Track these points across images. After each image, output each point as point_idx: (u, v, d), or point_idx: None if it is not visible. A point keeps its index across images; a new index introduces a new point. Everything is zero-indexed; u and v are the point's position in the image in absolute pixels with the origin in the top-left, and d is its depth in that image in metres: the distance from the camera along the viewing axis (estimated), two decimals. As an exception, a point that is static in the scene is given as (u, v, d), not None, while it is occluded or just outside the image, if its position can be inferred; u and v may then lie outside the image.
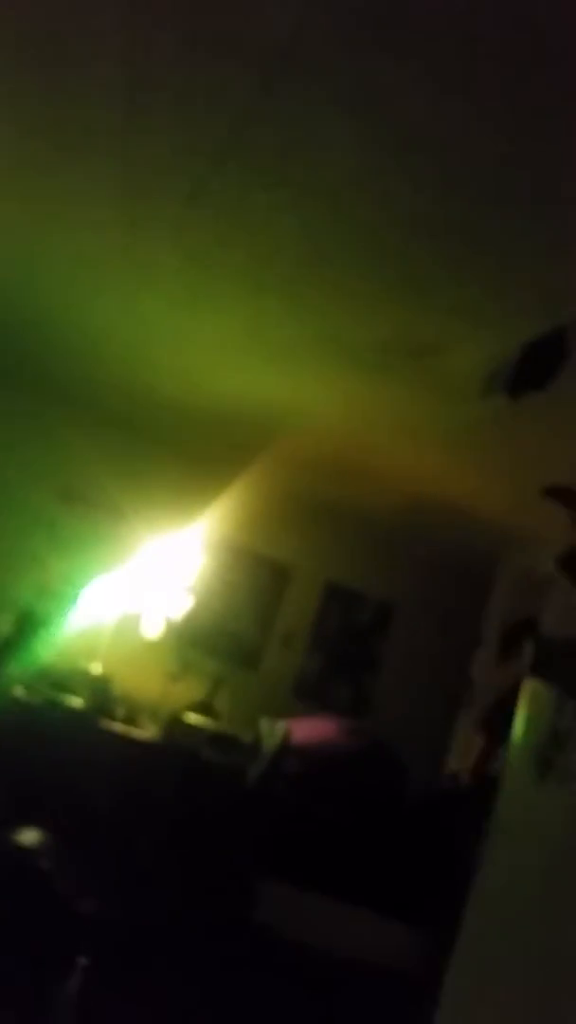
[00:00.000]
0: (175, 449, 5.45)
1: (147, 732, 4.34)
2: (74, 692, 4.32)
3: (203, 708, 5.01)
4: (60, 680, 4.36)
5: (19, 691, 4.08)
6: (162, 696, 4.95)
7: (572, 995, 2.05)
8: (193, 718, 4.63)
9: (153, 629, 4.89)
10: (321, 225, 2.69)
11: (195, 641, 5.47)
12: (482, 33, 1.82)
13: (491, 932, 2.43)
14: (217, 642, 5.58)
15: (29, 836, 2.88)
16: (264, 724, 4.19)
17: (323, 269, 2.93)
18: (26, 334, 4.40)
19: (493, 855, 2.54)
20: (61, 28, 2.19)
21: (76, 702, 4.25)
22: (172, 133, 2.46)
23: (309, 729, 4.14)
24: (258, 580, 5.76)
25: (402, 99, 2.06)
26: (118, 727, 4.18)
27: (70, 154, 2.74)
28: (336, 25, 1.92)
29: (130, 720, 4.40)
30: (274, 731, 4.01)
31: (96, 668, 4.75)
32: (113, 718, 4.17)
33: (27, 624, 4.30)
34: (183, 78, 2.22)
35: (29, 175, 2.98)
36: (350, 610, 5.91)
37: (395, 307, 3.04)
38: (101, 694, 4.40)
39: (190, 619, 5.26)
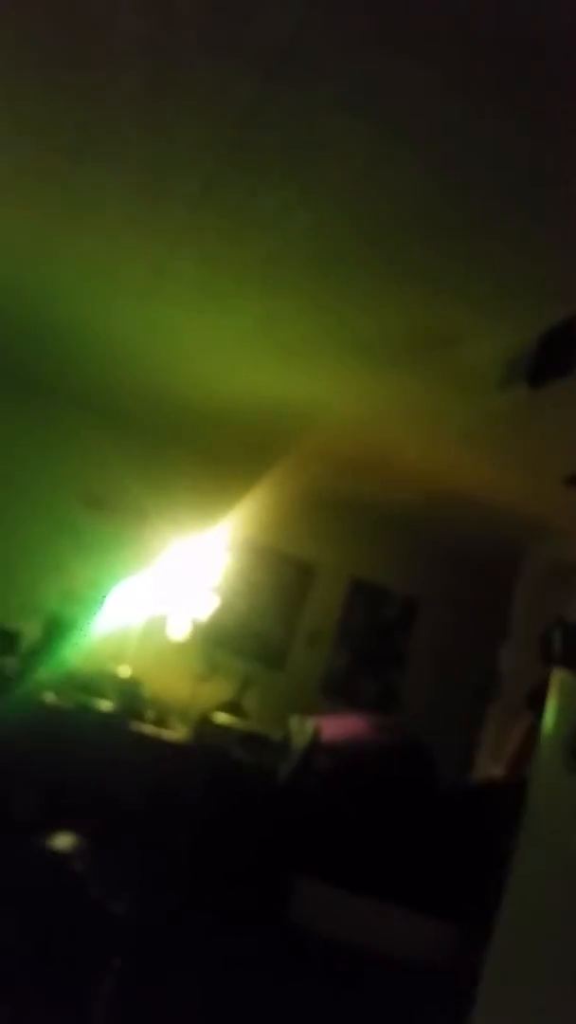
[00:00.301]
0: (195, 450, 5.46)
1: (177, 733, 4.35)
2: (103, 695, 4.34)
3: (232, 708, 5.01)
4: (89, 684, 4.38)
5: (49, 696, 4.11)
6: (191, 697, 4.96)
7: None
8: (222, 718, 4.63)
9: (180, 631, 4.90)
10: (331, 222, 2.68)
11: (222, 642, 5.47)
12: (485, 29, 1.81)
13: (526, 926, 2.41)
14: (243, 642, 5.58)
15: (62, 840, 2.89)
16: (293, 722, 4.18)
17: (335, 265, 2.92)
18: (43, 340, 4.43)
19: (526, 848, 2.52)
20: (67, 33, 2.20)
21: (106, 705, 4.27)
22: (178, 135, 2.47)
23: (338, 726, 4.12)
24: (282, 579, 5.75)
25: (408, 95, 2.05)
26: (148, 729, 4.19)
27: (79, 160, 2.75)
28: (338, 24, 1.92)
29: (160, 722, 4.41)
30: (304, 729, 4.00)
31: (125, 671, 4.77)
32: (143, 720, 4.19)
33: (55, 629, 4.33)
34: (188, 80, 2.22)
35: (40, 182, 3.00)
36: (375, 606, 5.89)
37: (408, 301, 3.02)
38: (130, 697, 4.41)
39: (216, 620, 5.26)
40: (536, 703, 3.68)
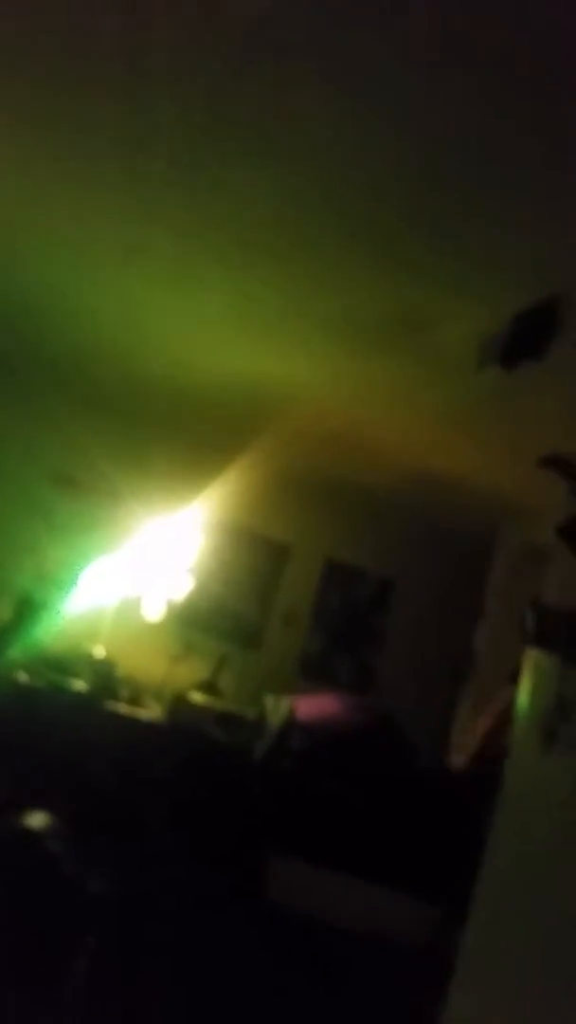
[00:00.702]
0: (170, 430, 5.41)
1: (152, 713, 4.33)
2: (77, 676, 4.31)
3: (207, 688, 5.01)
4: (63, 664, 4.35)
5: (22, 676, 4.07)
6: (166, 677, 4.95)
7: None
8: (198, 698, 4.62)
9: (154, 611, 4.88)
10: (305, 199, 2.64)
11: (197, 622, 5.47)
12: (463, 4, 1.77)
13: (502, 903, 2.43)
14: (219, 622, 5.58)
15: (35, 819, 2.87)
16: (269, 701, 4.19)
17: (309, 245, 2.88)
18: (14, 318, 4.35)
19: (501, 826, 2.53)
20: (34, 7, 2.14)
21: (79, 685, 4.24)
22: (149, 110, 2.41)
23: (314, 705, 4.13)
24: (258, 559, 5.74)
25: (384, 72, 2.02)
26: (123, 709, 4.17)
27: (49, 137, 2.68)
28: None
29: (134, 701, 4.39)
30: (279, 708, 4.00)
31: (99, 651, 4.74)
32: (117, 700, 4.16)
33: (27, 609, 4.29)
34: (159, 54, 2.17)
35: (9, 160, 2.92)
36: (351, 586, 5.90)
37: (383, 280, 3.00)
38: (104, 677, 4.39)
39: (191, 600, 5.25)
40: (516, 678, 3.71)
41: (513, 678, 3.81)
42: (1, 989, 2.19)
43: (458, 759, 4.20)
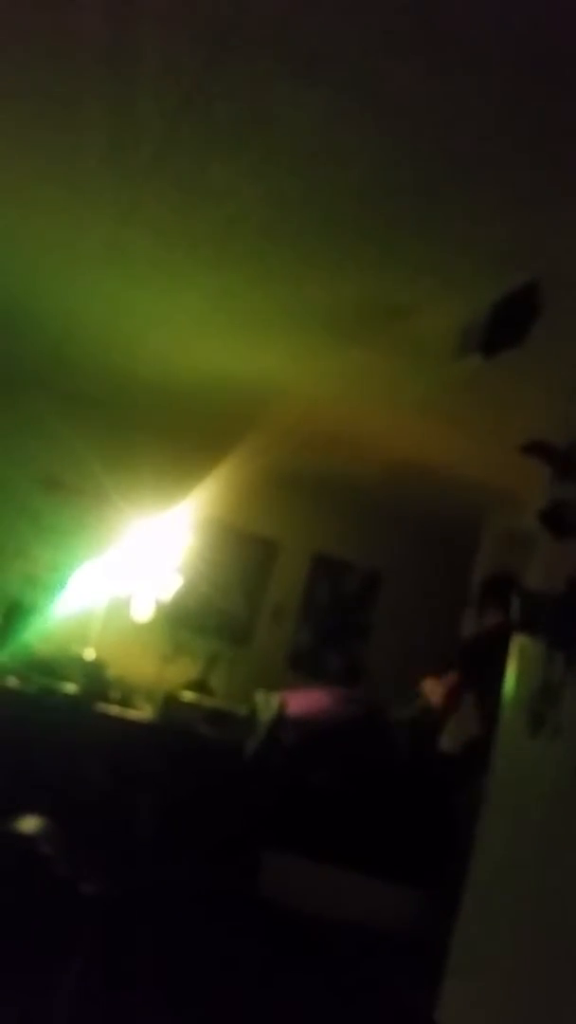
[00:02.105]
0: (156, 430, 5.37)
1: (143, 713, 4.30)
2: (68, 678, 4.27)
3: (198, 686, 4.98)
4: (53, 667, 4.31)
5: (12, 681, 4.03)
6: (157, 677, 4.91)
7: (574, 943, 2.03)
8: (189, 696, 4.59)
9: (144, 611, 4.84)
10: (283, 192, 2.62)
11: (187, 621, 5.43)
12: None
13: (493, 890, 2.41)
14: (209, 620, 5.54)
15: (28, 823, 2.84)
16: (259, 697, 4.16)
17: (288, 236, 2.86)
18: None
19: (491, 810, 2.52)
20: (15, 5, 2.11)
21: (70, 688, 4.21)
22: (128, 105, 2.39)
23: (304, 700, 4.11)
24: (246, 556, 5.71)
25: (356, 62, 2.01)
26: (114, 710, 4.13)
27: (29, 134, 2.65)
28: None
29: (125, 702, 4.35)
30: (270, 704, 3.97)
31: (89, 653, 4.70)
32: (108, 701, 4.13)
33: (16, 613, 4.25)
34: (138, 50, 2.15)
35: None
36: (338, 580, 5.88)
37: (363, 271, 2.98)
38: (95, 678, 4.35)
39: (180, 600, 5.21)
40: (463, 664, 3.69)
41: (458, 663, 3.79)
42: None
43: (448, 743, 4.18)
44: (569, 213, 2.36)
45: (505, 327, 2.87)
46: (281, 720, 3.77)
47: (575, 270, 2.60)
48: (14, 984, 2.13)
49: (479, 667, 2.58)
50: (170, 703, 4.07)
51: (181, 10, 1.97)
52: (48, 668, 4.18)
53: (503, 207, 2.43)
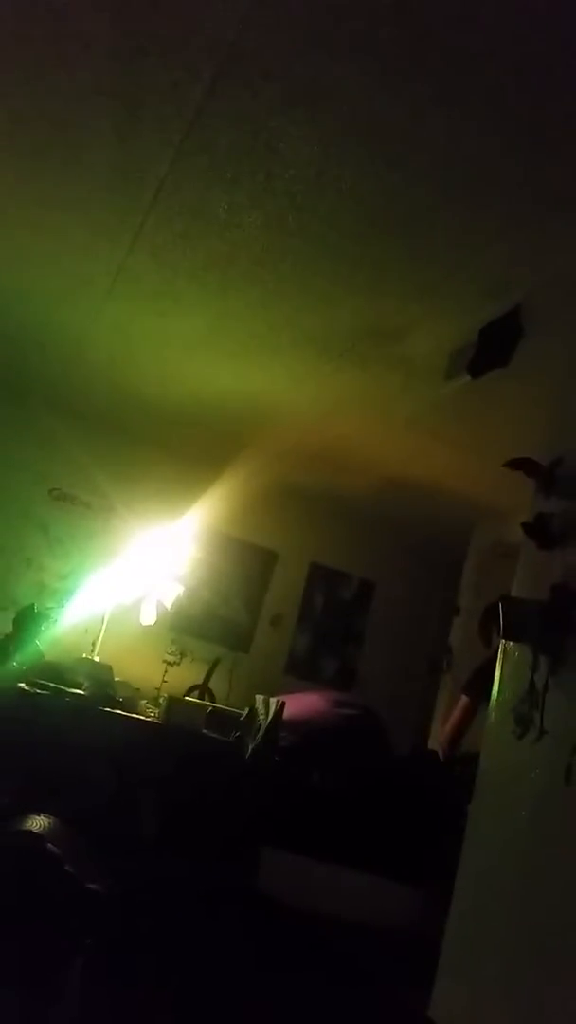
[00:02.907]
0: (160, 446, 5.38)
1: (148, 716, 4.27)
2: (75, 682, 4.24)
3: (201, 690, 4.96)
4: (61, 671, 4.28)
5: (23, 685, 4.00)
6: (161, 681, 4.89)
7: (564, 937, 2.01)
8: (191, 700, 4.57)
9: (149, 618, 4.82)
10: (280, 221, 2.64)
11: (190, 627, 5.43)
12: (424, 28, 1.77)
13: (482, 887, 2.39)
14: (211, 627, 5.54)
15: (36, 822, 2.81)
16: (258, 701, 4.13)
17: (285, 263, 2.88)
18: (7, 339, 4.31)
19: (479, 810, 2.50)
20: (20, 38, 2.13)
21: (78, 691, 4.18)
22: (132, 138, 2.40)
23: (300, 703, 4.09)
24: (246, 566, 5.70)
25: (351, 92, 2.03)
26: (119, 712, 4.11)
27: (37, 164, 2.67)
28: (281, 25, 1.87)
29: (131, 706, 4.33)
30: (268, 707, 3.95)
31: (96, 658, 4.68)
32: (114, 704, 4.10)
33: (26, 621, 4.22)
34: (141, 83, 2.16)
35: (3, 191, 2.89)
36: (334, 588, 5.88)
37: (356, 296, 2.99)
38: (101, 682, 4.32)
39: (184, 607, 5.20)
40: (472, 688, 3.71)
41: (469, 686, 3.82)
42: (1, 988, 2.13)
43: (439, 748, 4.17)
44: (553, 238, 2.37)
45: (491, 349, 2.88)
46: (278, 722, 3.75)
47: (558, 293, 2.61)
48: (21, 980, 2.11)
49: (488, 689, 2.59)
50: (173, 706, 4.04)
51: (185, 43, 1.98)
52: (56, 672, 4.16)
53: (491, 234, 2.44)
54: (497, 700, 2.53)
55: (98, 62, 2.13)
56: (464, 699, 3.85)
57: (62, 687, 4.01)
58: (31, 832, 2.76)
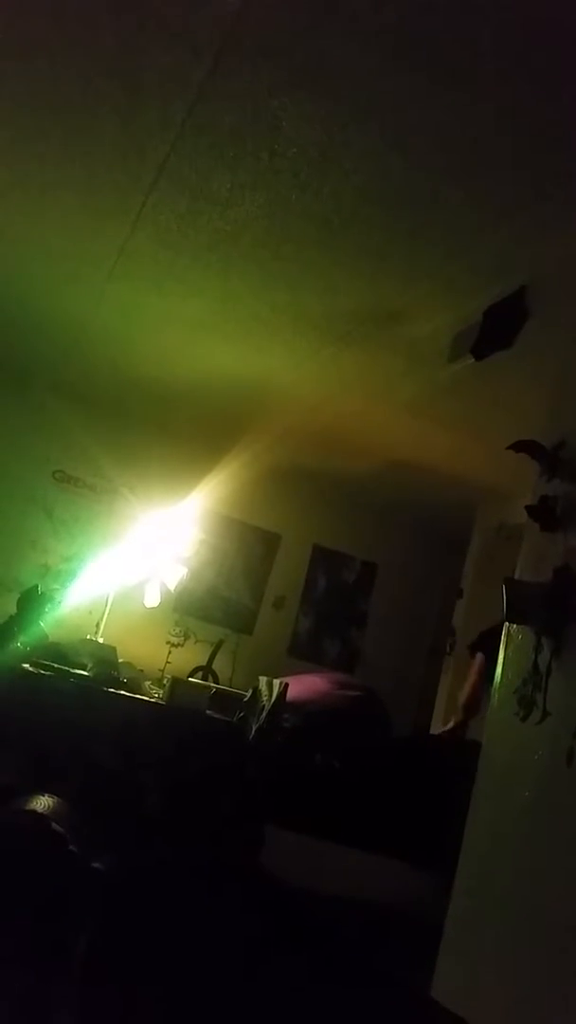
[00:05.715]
0: (163, 428, 5.37)
1: (152, 697, 4.29)
2: (80, 663, 4.26)
3: (204, 671, 4.97)
4: (66, 652, 4.30)
5: (27, 666, 4.02)
6: (165, 662, 4.91)
7: (564, 921, 2.02)
8: (195, 681, 4.58)
9: (152, 600, 4.83)
10: (283, 201, 2.61)
11: (193, 609, 5.45)
12: (430, 5, 1.75)
13: (484, 867, 2.40)
14: (214, 609, 5.55)
15: (41, 801, 2.83)
16: (262, 682, 4.15)
17: (287, 244, 2.85)
18: (11, 321, 4.29)
19: (481, 791, 2.51)
20: (21, 21, 2.10)
21: (82, 672, 4.20)
22: (130, 118, 2.37)
23: (303, 684, 4.10)
24: (249, 548, 5.71)
25: (354, 72, 2.00)
26: (123, 693, 4.13)
27: (40, 145, 2.65)
28: (283, 3, 1.85)
29: (135, 686, 4.35)
30: (271, 688, 3.96)
31: (100, 640, 4.69)
32: (118, 686, 4.11)
33: (31, 602, 4.23)
34: (142, 63, 2.13)
35: (5, 171, 2.87)
36: (337, 570, 5.89)
37: (359, 277, 2.97)
38: (106, 663, 4.34)
39: (188, 589, 5.21)
40: (483, 644, 3.71)
41: (480, 643, 3.82)
42: (6, 967, 2.15)
43: (443, 728, 4.18)
44: (556, 220, 2.35)
45: (495, 331, 2.86)
46: (281, 703, 3.76)
47: (562, 274, 2.59)
48: (22, 958, 2.13)
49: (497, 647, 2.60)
50: (177, 687, 4.06)
51: (186, 22, 1.96)
52: (60, 653, 4.17)
53: (494, 216, 2.42)
54: (500, 682, 2.54)
55: (99, 41, 2.10)
56: (479, 657, 3.84)
57: (66, 668, 4.02)
58: (35, 812, 2.78)
